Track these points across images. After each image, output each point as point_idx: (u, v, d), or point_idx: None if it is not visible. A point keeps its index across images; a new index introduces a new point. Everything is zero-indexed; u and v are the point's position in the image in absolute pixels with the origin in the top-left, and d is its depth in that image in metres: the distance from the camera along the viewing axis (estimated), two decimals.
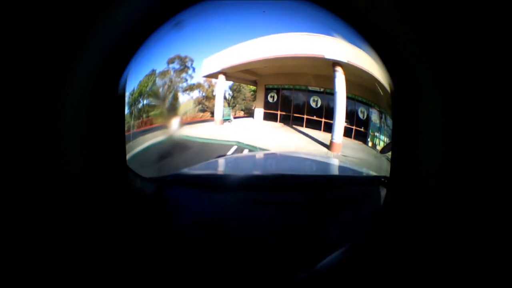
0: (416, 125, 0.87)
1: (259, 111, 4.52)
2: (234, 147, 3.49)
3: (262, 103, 4.54)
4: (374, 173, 1.68)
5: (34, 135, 0.73)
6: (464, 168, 0.75)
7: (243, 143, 3.60)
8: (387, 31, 0.85)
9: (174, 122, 3.29)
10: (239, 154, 2.96)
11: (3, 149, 0.69)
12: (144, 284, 0.84)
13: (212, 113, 4.08)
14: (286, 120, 4.36)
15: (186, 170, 1.56)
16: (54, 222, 0.77)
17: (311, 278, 0.89)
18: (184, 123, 3.69)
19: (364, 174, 1.72)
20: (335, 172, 1.96)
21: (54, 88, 0.75)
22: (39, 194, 0.75)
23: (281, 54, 3.68)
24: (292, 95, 4.44)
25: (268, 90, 4.51)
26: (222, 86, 4.37)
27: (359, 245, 0.99)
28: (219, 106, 4.38)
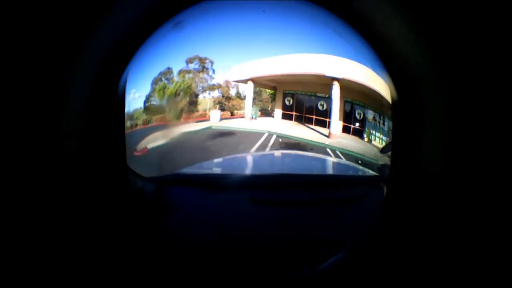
0: (416, 126, 0.68)
1: (278, 112, 4.46)
2: (266, 134, 3.58)
3: (280, 105, 4.47)
4: (371, 171, 1.40)
5: (34, 134, 0.57)
6: (464, 168, 0.59)
7: (271, 131, 3.68)
8: (387, 32, 0.66)
9: (216, 115, 3.45)
10: (239, 154, 2.89)
11: (4, 152, 0.54)
12: (144, 284, 0.67)
13: (231, 112, 4.17)
14: (300, 119, 4.29)
15: (186, 170, 1.33)
16: (54, 221, 0.61)
17: (312, 278, 0.72)
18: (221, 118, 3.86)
19: (365, 174, 1.43)
20: (336, 171, 1.68)
21: (54, 88, 0.58)
22: (39, 193, 0.59)
23: (293, 72, 3.80)
24: (304, 99, 4.35)
25: (285, 95, 4.44)
26: (251, 90, 4.38)
27: (359, 245, 0.78)
28: (249, 106, 4.41)
